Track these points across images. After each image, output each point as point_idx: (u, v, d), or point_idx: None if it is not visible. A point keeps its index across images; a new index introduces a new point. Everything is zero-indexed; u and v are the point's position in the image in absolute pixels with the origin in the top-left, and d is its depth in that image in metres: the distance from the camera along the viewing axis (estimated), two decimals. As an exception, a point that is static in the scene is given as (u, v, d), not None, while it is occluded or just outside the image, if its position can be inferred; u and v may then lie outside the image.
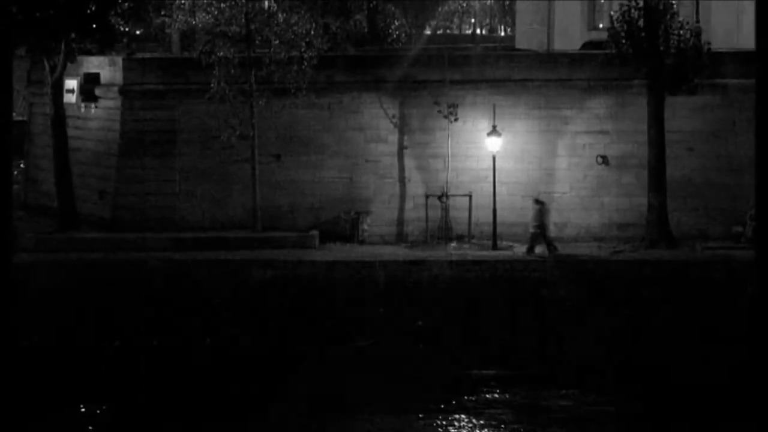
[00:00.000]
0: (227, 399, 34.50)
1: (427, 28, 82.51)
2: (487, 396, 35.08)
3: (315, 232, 44.05)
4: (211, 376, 36.41)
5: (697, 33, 43.61)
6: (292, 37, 44.17)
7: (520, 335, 38.76)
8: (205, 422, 32.91)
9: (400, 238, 45.13)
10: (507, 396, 35.33)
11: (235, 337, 38.64)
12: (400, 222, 45.42)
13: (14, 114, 53.31)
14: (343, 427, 32.62)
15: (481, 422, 32.80)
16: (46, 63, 45.74)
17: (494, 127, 43.63)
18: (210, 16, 45.26)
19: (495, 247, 43.15)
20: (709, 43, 44.21)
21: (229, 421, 32.74)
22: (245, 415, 33.26)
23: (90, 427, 32.95)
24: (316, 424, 32.64)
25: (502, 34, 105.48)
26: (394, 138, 46.00)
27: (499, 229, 43.29)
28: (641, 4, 42.64)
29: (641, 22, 42.62)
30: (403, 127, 45.90)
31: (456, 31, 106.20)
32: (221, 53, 43.96)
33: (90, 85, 48.72)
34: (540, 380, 36.18)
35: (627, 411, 33.88)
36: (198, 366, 37.04)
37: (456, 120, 45.10)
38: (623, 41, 42.95)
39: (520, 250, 42.67)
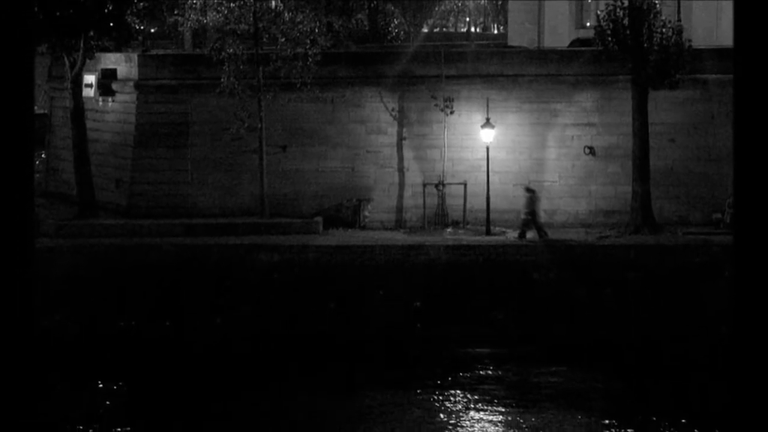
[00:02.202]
0: (236, 376, 34.48)
1: (425, 26, 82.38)
2: (481, 373, 35.06)
3: (319, 219, 43.97)
4: (220, 355, 36.40)
5: (679, 31, 43.45)
6: (298, 35, 44.11)
7: (512, 316, 38.74)
8: (215, 396, 32.91)
9: (399, 224, 45.05)
10: (500, 373, 35.31)
11: (244, 317, 38.61)
12: (399, 209, 45.32)
13: (36, 107, 53.32)
14: (345, 402, 32.59)
15: (476, 398, 32.78)
16: (66, 59, 45.60)
17: (488, 119, 43.56)
18: (220, 15, 45.18)
19: (488, 232, 43.09)
20: (690, 41, 44.09)
21: (237, 397, 32.71)
22: (252, 391, 33.24)
23: (107, 402, 32.96)
24: (321, 400, 32.64)
25: (495, 32, 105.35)
26: (393, 130, 45.91)
27: (492, 216, 43.21)
28: (626, 3, 42.54)
29: (626, 21, 42.51)
30: (402, 120, 45.81)
31: (452, 30, 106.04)
32: (231, 50, 43.90)
33: (107, 80, 48.65)
34: (531, 358, 36.17)
35: (613, 386, 33.88)
36: (208, 345, 37.03)
37: (452, 113, 45.03)
38: (609, 39, 42.84)
39: (512, 235, 42.60)
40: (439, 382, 33.73)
